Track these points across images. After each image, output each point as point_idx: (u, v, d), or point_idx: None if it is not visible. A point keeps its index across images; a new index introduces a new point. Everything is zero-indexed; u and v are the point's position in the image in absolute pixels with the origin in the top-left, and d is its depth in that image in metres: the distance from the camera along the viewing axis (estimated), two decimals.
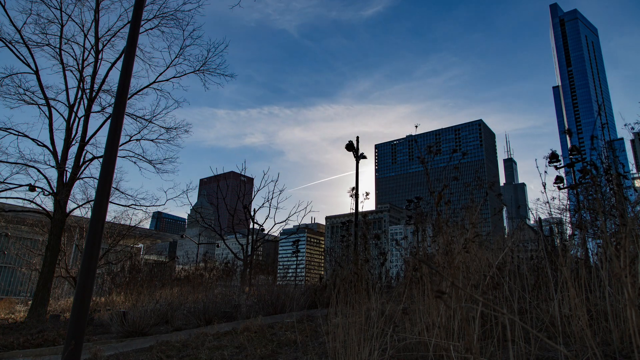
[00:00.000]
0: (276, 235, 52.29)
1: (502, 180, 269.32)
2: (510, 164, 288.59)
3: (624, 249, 3.05)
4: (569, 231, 6.97)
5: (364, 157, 15.27)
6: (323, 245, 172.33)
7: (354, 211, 13.25)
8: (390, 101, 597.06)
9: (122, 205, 18.86)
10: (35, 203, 16.25)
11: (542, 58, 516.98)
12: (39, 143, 16.28)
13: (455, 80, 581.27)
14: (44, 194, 16.30)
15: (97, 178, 5.77)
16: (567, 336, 3.49)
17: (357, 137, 15.44)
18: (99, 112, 17.87)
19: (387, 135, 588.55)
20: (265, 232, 29.26)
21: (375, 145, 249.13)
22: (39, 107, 16.80)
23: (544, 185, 4.12)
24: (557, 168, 4.54)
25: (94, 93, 17.23)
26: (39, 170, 16.00)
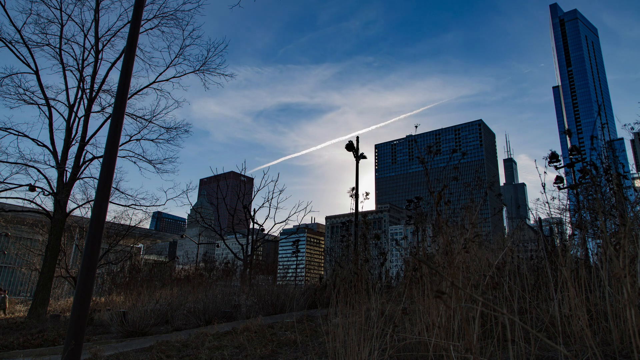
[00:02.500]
0: (276, 235, 52.33)
1: (502, 180, 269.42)
2: (510, 164, 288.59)
3: (624, 249, 3.05)
4: (569, 231, 6.97)
5: (364, 157, 15.26)
6: (323, 245, 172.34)
7: (354, 211, 13.26)
8: (303, 59, 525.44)
9: (122, 205, 18.89)
10: (35, 203, 16.28)
11: (542, 58, 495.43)
12: (39, 143, 16.30)
13: (371, 29, 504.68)
14: (44, 194, 16.32)
15: (97, 178, 5.77)
16: (567, 336, 3.49)
17: (357, 137, 15.44)
18: (99, 112, 17.90)
19: (317, 106, 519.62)
20: (265, 232, 29.28)
21: (375, 145, 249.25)
22: (39, 107, 16.82)
23: (544, 186, 4.12)
24: (557, 168, 4.54)
25: (94, 93, 17.24)
26: (39, 170, 16.02)
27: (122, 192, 18.15)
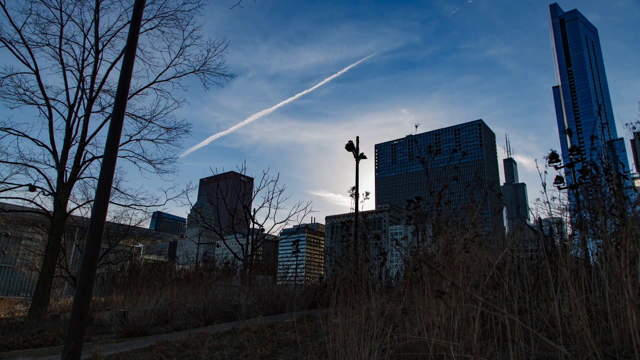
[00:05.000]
0: (276, 235, 52.30)
1: (502, 180, 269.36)
2: (510, 164, 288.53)
3: (625, 249, 3.05)
4: (569, 231, 6.97)
5: (364, 157, 15.26)
6: (323, 245, 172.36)
7: (353, 211, 13.26)
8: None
9: (122, 205, 18.89)
10: (35, 203, 16.28)
11: (542, 58, 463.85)
12: (39, 143, 16.30)
13: None
14: (44, 194, 16.32)
15: (97, 178, 5.77)
16: (567, 336, 3.49)
17: (357, 137, 15.43)
18: (99, 112, 17.91)
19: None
20: (265, 232, 29.27)
21: (375, 145, 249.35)
22: (39, 107, 16.82)
23: (544, 185, 4.12)
24: (557, 168, 4.54)
25: (94, 93, 17.24)
26: (39, 170, 16.02)
27: (122, 192, 18.18)
